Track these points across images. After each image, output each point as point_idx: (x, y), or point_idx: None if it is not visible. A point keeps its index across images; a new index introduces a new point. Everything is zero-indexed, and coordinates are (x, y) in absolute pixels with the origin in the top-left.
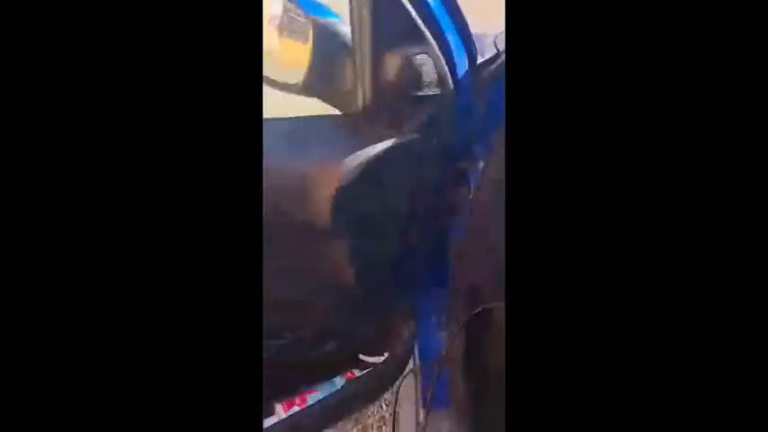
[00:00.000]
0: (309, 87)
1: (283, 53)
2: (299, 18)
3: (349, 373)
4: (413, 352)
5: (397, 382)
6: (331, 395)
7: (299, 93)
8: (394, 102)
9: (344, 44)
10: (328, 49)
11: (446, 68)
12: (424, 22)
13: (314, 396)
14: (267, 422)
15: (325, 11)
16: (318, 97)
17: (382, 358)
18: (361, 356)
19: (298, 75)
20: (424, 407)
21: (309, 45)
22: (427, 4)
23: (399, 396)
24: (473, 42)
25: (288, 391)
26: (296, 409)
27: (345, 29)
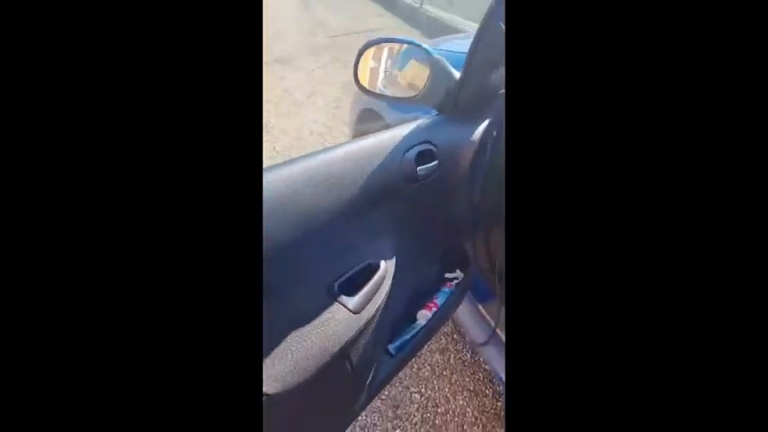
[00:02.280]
0: (425, 97)
1: (413, 77)
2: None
3: (448, 284)
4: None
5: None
6: (447, 300)
7: (419, 101)
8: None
9: (449, 72)
10: (438, 77)
11: None
12: None
13: (436, 301)
14: (420, 318)
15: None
16: (429, 103)
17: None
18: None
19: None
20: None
21: (428, 72)
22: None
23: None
24: None
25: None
26: (433, 310)
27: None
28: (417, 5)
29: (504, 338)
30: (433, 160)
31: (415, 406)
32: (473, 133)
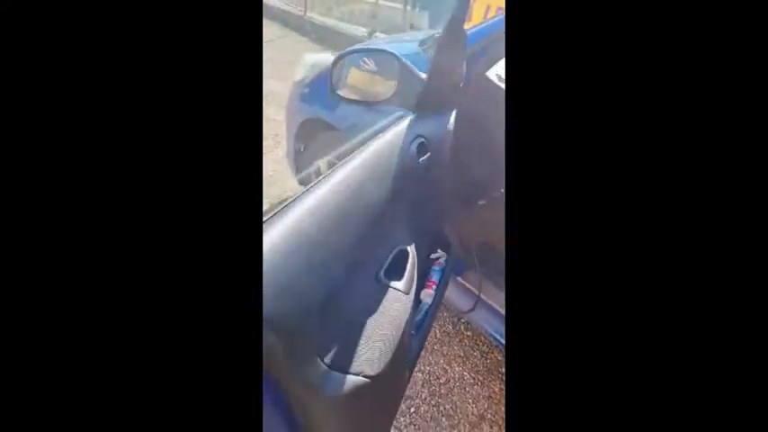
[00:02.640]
0: (397, 98)
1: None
2: (392, 63)
3: (437, 262)
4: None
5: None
6: (441, 277)
7: (388, 103)
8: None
9: (416, 74)
10: (406, 79)
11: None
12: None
13: (433, 279)
14: (425, 297)
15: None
16: (398, 104)
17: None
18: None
19: (389, 94)
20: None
21: (396, 79)
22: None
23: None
24: None
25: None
26: (434, 287)
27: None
28: (301, 13)
29: (488, 302)
30: (427, 152)
31: (420, 383)
32: (448, 123)
